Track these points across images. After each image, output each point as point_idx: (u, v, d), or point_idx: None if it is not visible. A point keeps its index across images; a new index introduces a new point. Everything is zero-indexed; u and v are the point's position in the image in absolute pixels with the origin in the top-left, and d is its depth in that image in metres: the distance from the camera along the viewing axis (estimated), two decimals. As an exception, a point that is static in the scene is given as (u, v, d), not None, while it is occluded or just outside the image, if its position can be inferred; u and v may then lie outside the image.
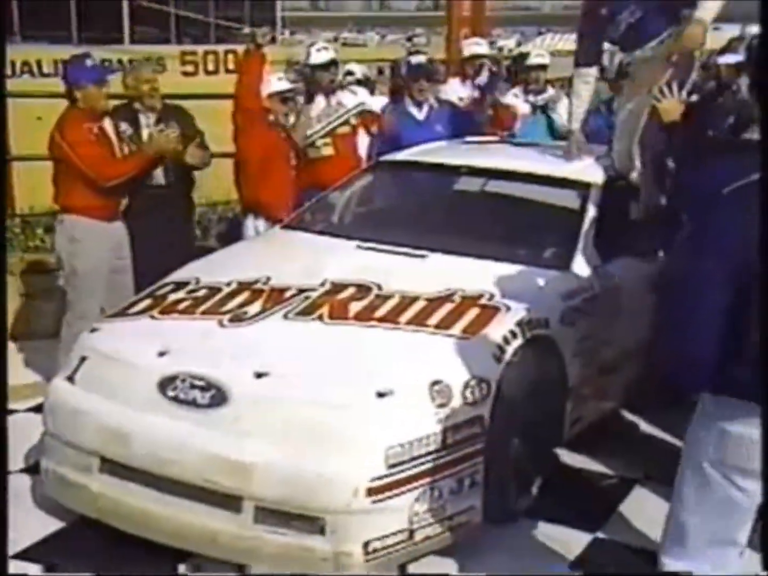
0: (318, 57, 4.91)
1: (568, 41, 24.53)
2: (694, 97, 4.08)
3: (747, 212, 1.81)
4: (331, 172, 4.58)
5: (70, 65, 4.10)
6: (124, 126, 4.26)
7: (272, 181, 4.57)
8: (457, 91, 5.70)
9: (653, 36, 3.69)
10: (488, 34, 9.43)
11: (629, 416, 3.91)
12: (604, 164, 4.01)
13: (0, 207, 2.43)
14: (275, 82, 4.72)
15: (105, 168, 3.95)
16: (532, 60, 5.74)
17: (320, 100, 4.93)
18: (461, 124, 5.08)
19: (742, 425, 1.89)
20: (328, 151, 4.91)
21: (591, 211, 3.69)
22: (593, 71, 4.07)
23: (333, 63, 4.97)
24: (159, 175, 4.34)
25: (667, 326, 1.94)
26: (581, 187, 3.83)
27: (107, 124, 4.11)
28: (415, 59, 5.38)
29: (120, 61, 7.22)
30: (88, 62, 4.05)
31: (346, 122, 4.96)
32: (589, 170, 3.96)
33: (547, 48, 23.88)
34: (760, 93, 2.13)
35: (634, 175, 3.85)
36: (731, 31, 7.91)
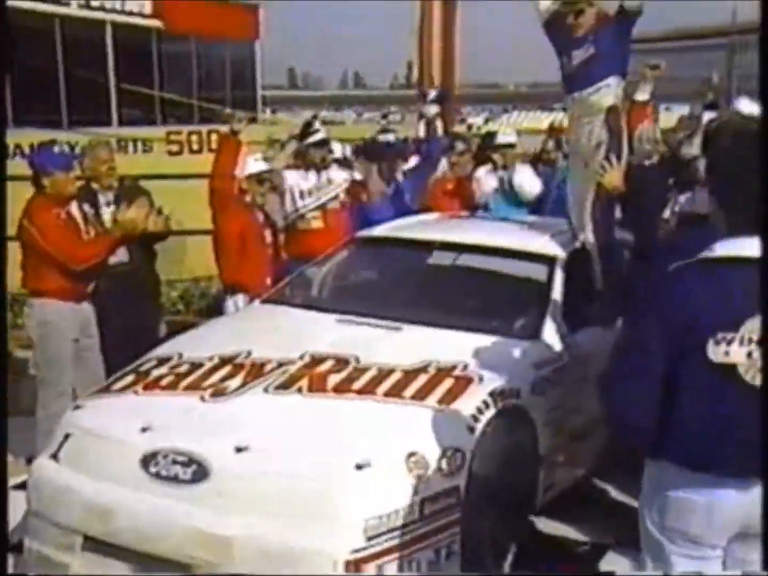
0: (312, 136, 5.07)
1: (533, 119, 25.25)
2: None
3: (688, 290, 1.86)
4: (319, 245, 4.64)
5: (36, 152, 4.13)
6: (86, 208, 4.28)
7: (249, 260, 4.61)
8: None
9: (597, 81, 3.78)
10: (458, 111, 9.66)
11: (599, 483, 3.89)
12: (568, 236, 4.09)
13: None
14: (252, 163, 4.78)
15: (75, 252, 3.96)
16: (501, 139, 5.90)
17: (312, 176, 5.05)
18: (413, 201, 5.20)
19: (682, 491, 1.90)
20: (317, 224, 4.99)
21: (558, 283, 3.76)
22: None
23: (325, 142, 5.12)
24: (122, 252, 4.35)
25: (609, 392, 1.97)
26: (547, 260, 3.90)
27: (74, 208, 4.12)
28: (384, 137, 5.52)
29: (108, 143, 7.30)
30: (55, 149, 4.10)
31: (335, 197, 5.06)
32: (554, 243, 4.04)
33: (513, 125, 24.55)
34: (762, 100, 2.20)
35: (588, 245, 3.93)
36: (681, 110, 8.20)
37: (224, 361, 3.36)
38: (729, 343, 1.82)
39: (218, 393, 3.14)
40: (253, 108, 20.10)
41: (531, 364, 3.34)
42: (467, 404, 2.98)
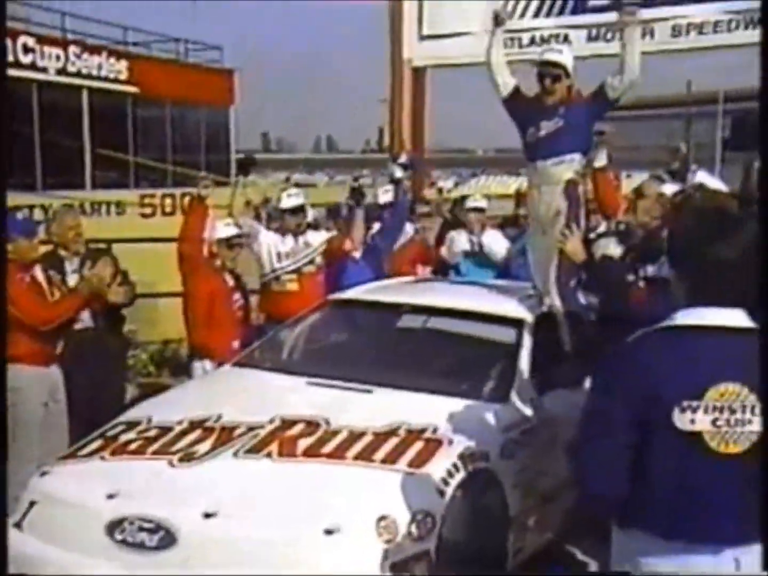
0: (288, 202, 5.10)
1: (500, 184, 25.79)
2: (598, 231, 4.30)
3: (651, 358, 1.90)
4: (293, 307, 4.64)
5: None
6: (52, 273, 4.26)
7: (217, 325, 4.60)
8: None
9: (561, 154, 3.86)
10: (428, 175, 9.87)
11: (567, 546, 3.85)
12: (535, 300, 4.15)
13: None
14: (222, 228, 4.78)
15: (40, 312, 3.94)
16: (471, 203, 6.01)
17: (289, 240, 5.06)
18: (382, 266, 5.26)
19: (653, 558, 1.91)
20: (292, 286, 5.00)
21: (525, 346, 3.79)
22: None
23: (302, 208, 5.14)
24: (87, 318, 4.32)
25: (576, 461, 1.98)
26: (515, 323, 3.94)
27: (38, 271, 4.11)
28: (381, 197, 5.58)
29: (82, 205, 7.32)
30: (18, 215, 4.10)
31: (311, 261, 5.08)
32: (522, 306, 4.09)
33: (482, 189, 25.05)
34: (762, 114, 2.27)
35: (553, 309, 3.98)
36: (641, 176, 8.43)
37: (194, 425, 3.33)
38: (694, 411, 1.85)
39: (187, 458, 3.10)
40: (227, 171, 20.30)
41: (500, 427, 3.35)
42: (437, 467, 2.97)
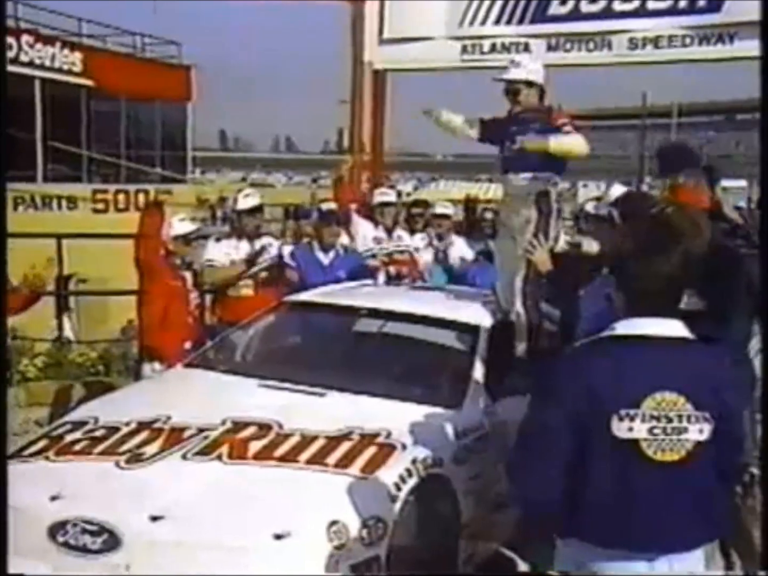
0: (244, 203, 4.99)
1: (459, 189, 26.00)
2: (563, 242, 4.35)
3: (590, 367, 1.93)
4: (247, 312, 4.56)
5: None
6: None
7: (172, 327, 4.50)
8: (367, 234, 5.75)
9: (535, 170, 3.87)
10: (387, 177, 9.89)
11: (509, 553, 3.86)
12: (491, 308, 4.18)
13: None
14: (178, 224, 4.69)
15: None
16: (438, 209, 6.04)
17: (245, 245, 4.97)
18: (363, 272, 5.21)
19: (593, 565, 1.93)
20: (246, 291, 4.92)
21: (480, 353, 3.82)
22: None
23: (259, 209, 5.05)
24: None
25: (514, 471, 2.00)
26: (472, 329, 3.97)
27: None
28: (326, 206, 5.54)
29: (32, 199, 7.16)
30: None
31: (268, 268, 5.00)
32: (479, 312, 4.12)
33: (440, 193, 25.20)
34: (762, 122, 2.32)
35: (513, 316, 4.00)
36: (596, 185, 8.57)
37: (142, 426, 3.28)
38: (632, 419, 1.88)
39: (134, 459, 3.05)
40: (183, 168, 20.05)
41: (454, 433, 3.36)
42: (390, 473, 2.97)
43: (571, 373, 1.94)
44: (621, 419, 1.88)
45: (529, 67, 3.97)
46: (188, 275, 4.74)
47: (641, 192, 6.00)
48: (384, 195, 6.03)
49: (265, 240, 5.08)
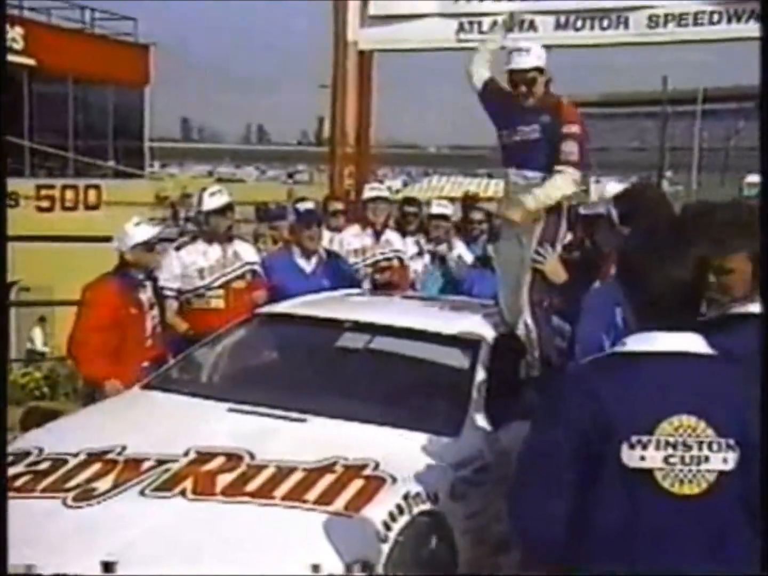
0: (211, 202, 4.95)
1: (455, 185, 26.07)
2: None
3: (598, 387, 1.93)
4: (216, 326, 4.55)
5: None
6: None
7: (122, 359, 4.42)
8: (351, 242, 5.77)
9: (534, 169, 3.91)
10: (373, 172, 9.96)
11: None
12: (495, 319, 4.19)
13: None
14: (134, 231, 4.63)
15: None
16: (434, 209, 6.04)
17: (214, 250, 4.95)
18: (351, 280, 5.22)
19: None
20: (217, 303, 4.90)
21: (481, 372, 3.83)
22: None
23: (228, 208, 5.02)
24: None
25: (515, 505, 2.00)
26: (471, 345, 3.98)
27: None
28: (304, 206, 5.52)
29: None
30: None
31: (242, 276, 4.98)
32: (479, 325, 4.13)
33: (433, 190, 25.25)
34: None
35: (520, 331, 4.01)
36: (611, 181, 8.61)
37: (93, 458, 3.27)
38: (644, 446, 1.88)
39: (84, 496, 3.04)
40: (140, 161, 20.02)
41: (450, 463, 3.36)
42: (378, 510, 2.97)
43: (575, 394, 1.95)
44: (632, 447, 1.88)
45: (538, 52, 3.99)
46: (149, 289, 4.71)
47: (642, 185, 5.99)
48: (376, 190, 6.06)
49: (238, 244, 5.07)
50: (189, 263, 4.91)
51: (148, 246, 4.64)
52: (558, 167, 3.82)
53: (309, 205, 5.55)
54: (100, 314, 4.40)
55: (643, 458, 1.88)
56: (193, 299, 4.91)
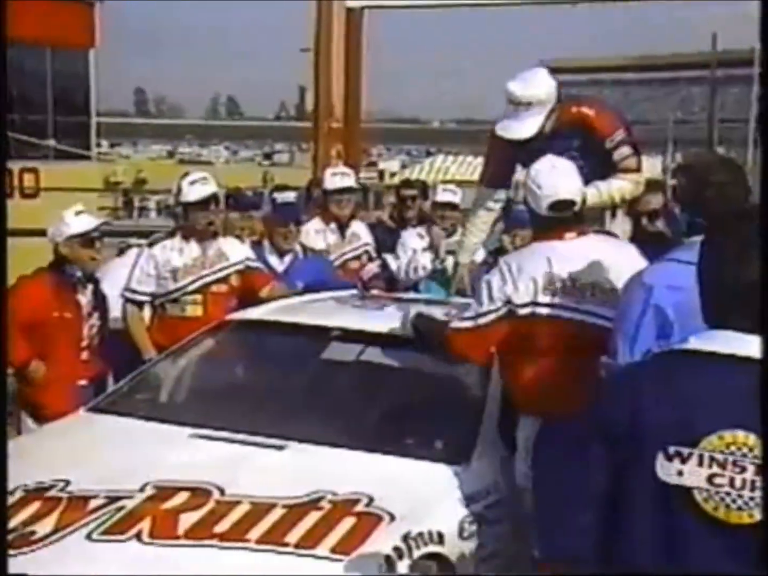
0: (192, 192, 4.95)
1: (463, 165, 26.13)
2: None
3: (639, 386, 1.95)
4: None
5: None
6: None
7: (53, 375, 4.47)
8: (312, 242, 5.79)
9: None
10: (365, 152, 9.96)
11: None
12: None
13: None
14: (72, 220, 4.65)
15: None
16: (440, 196, 6.05)
17: (192, 248, 4.98)
18: (329, 280, 5.24)
19: None
20: (194, 310, 4.91)
21: (495, 387, 3.83)
22: (499, 196, 4.38)
23: (213, 199, 5.04)
24: None
25: (543, 517, 2.02)
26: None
27: None
28: (282, 197, 5.51)
29: None
30: None
31: (224, 279, 5.01)
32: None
33: (437, 173, 25.29)
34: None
35: None
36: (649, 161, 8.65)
37: (30, 496, 3.28)
38: (684, 460, 1.89)
39: (21, 542, 3.03)
40: (86, 139, 20.00)
41: (458, 497, 3.37)
42: (373, 553, 2.97)
43: (616, 392, 1.96)
44: (669, 458, 1.89)
45: (537, 81, 3.96)
46: (88, 291, 4.72)
47: (712, 158, 5.97)
48: (341, 178, 6.01)
49: (224, 242, 5.09)
50: (163, 262, 4.93)
51: (86, 239, 4.67)
52: (620, 176, 3.98)
53: (288, 196, 5.54)
54: (24, 311, 4.41)
55: (681, 473, 1.89)
56: (167, 305, 4.93)
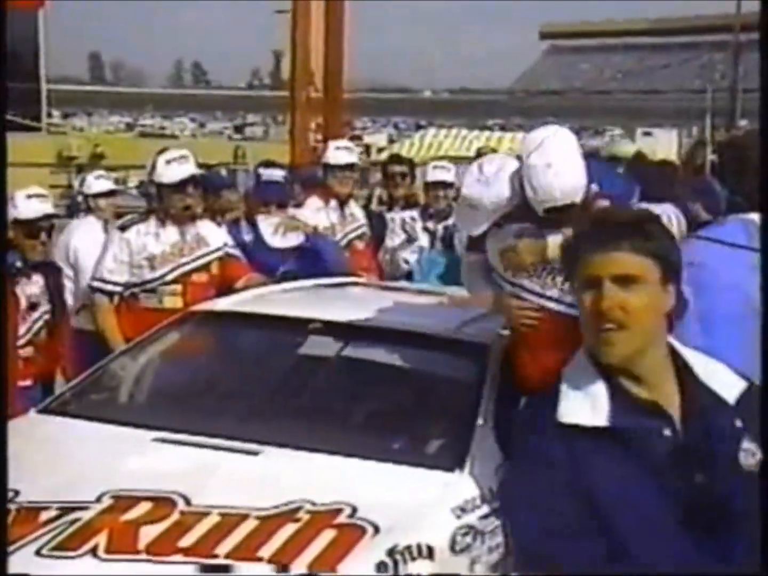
0: (168, 172, 4.97)
1: (457, 139, 26.11)
2: None
3: None
4: None
5: None
6: None
7: None
8: (310, 218, 5.86)
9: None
10: (349, 124, 9.97)
11: None
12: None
13: None
14: (22, 203, 4.66)
15: None
16: (432, 175, 6.08)
17: (169, 233, 4.99)
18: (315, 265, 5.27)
19: None
20: (173, 301, 4.94)
21: (490, 386, 3.85)
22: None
23: (192, 180, 5.05)
24: None
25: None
26: (477, 352, 4.00)
27: None
28: (269, 174, 5.51)
29: None
30: None
31: (205, 267, 5.03)
32: (488, 326, 4.15)
33: (428, 148, 25.28)
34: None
35: None
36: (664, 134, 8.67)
37: (-25, 507, 3.27)
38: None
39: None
40: (36, 109, 19.94)
41: (450, 507, 3.37)
42: (356, 569, 2.98)
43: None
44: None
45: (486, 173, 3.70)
46: (36, 285, 4.71)
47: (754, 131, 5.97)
48: (346, 153, 6.12)
49: (202, 226, 5.07)
50: (138, 248, 4.92)
51: (33, 228, 4.66)
52: None
53: (275, 174, 5.52)
54: None
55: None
56: (142, 296, 4.92)
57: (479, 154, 7.56)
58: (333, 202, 6.00)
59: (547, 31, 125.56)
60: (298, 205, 6.01)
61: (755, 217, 2.90)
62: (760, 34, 2.44)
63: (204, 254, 5.02)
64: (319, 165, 6.24)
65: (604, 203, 3.66)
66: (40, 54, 20.27)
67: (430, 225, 5.98)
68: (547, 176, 3.52)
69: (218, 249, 5.07)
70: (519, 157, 3.67)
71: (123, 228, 5.06)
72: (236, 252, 5.16)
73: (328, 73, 8.26)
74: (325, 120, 7.94)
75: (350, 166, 5.99)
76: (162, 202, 5.01)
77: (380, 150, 28.05)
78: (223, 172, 5.99)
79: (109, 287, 4.92)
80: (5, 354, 2.15)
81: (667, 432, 2.07)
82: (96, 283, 4.91)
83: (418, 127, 43.65)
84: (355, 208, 6.15)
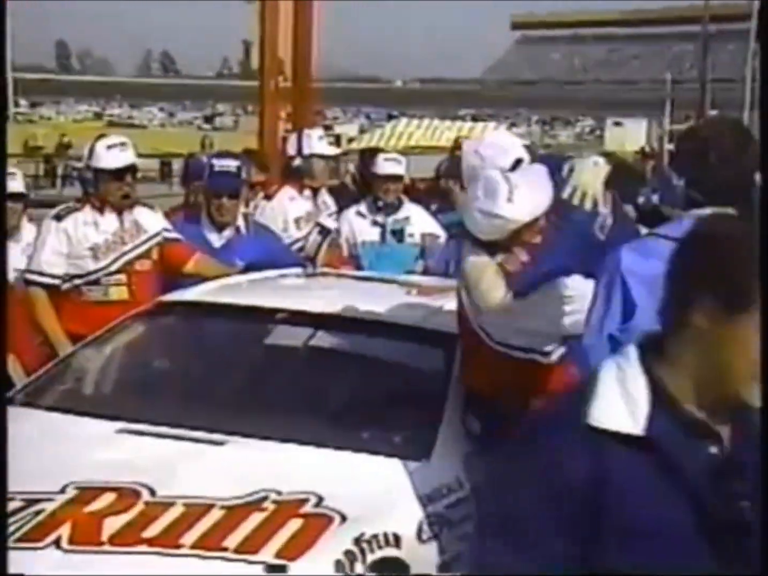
0: (107, 158, 4.90)
1: (429, 129, 26.10)
2: None
3: None
4: None
5: None
6: None
7: None
8: (287, 210, 5.95)
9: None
10: (319, 113, 9.97)
11: None
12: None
13: None
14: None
15: None
16: (382, 167, 6.09)
17: (109, 219, 4.93)
18: (277, 257, 5.25)
19: None
20: (118, 293, 4.88)
21: (458, 376, 3.85)
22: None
23: (132, 169, 4.99)
24: None
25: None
26: (445, 341, 4.00)
27: None
28: (220, 163, 5.44)
29: None
30: None
31: (146, 253, 4.98)
32: (454, 315, 4.16)
33: (399, 138, 25.26)
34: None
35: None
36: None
37: (-64, 498, 3.25)
38: None
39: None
40: (1, 98, 19.80)
41: (417, 496, 3.39)
42: (322, 558, 3.00)
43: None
44: None
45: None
46: None
47: (717, 119, 6.01)
48: (322, 142, 6.29)
49: (138, 211, 5.04)
50: (79, 238, 4.85)
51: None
52: None
53: (228, 163, 5.41)
54: None
55: None
56: (84, 288, 4.87)
57: (457, 144, 7.58)
58: (306, 192, 6.06)
59: (519, 21, 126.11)
60: (270, 196, 6.10)
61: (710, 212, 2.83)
62: (759, 31, 2.43)
63: (144, 241, 4.96)
64: (296, 156, 6.23)
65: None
66: (5, 41, 20.10)
67: (379, 218, 6.00)
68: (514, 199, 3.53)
69: (156, 234, 5.00)
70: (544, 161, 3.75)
71: (59, 217, 4.93)
72: (176, 235, 5.07)
73: (298, 61, 8.23)
74: (295, 109, 7.91)
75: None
76: (99, 189, 4.97)
77: (351, 140, 27.99)
78: (204, 159, 5.94)
79: (47, 280, 4.81)
80: (5, 355, 2.12)
81: (713, 450, 1.98)
82: (32, 276, 4.80)
83: (390, 117, 43.65)
84: (326, 197, 6.25)
